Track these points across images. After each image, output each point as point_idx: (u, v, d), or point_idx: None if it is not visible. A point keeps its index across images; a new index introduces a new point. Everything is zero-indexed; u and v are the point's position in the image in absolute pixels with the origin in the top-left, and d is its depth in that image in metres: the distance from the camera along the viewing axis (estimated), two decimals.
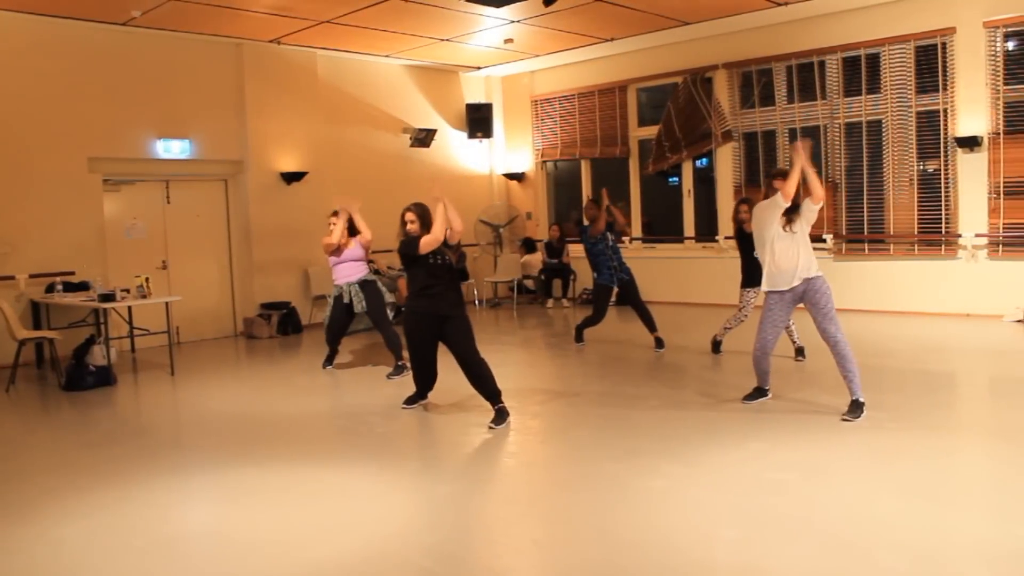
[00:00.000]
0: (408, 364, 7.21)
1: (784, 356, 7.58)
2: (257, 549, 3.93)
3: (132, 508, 4.55)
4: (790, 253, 5.73)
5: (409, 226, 6.10)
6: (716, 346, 8.28)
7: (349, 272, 8.01)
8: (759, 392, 6.28)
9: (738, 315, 7.91)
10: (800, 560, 3.56)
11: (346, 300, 8.02)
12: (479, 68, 13.41)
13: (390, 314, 8.40)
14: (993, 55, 9.42)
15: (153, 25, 9.76)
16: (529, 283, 13.39)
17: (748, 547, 3.71)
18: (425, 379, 6.41)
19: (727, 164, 11.73)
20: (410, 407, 6.51)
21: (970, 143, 9.53)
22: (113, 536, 4.16)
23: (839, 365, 5.71)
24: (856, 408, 5.64)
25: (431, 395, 6.54)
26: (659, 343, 8.67)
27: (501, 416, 5.93)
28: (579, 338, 9.18)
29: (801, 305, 5.89)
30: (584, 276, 12.99)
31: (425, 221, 6.08)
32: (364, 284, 8.01)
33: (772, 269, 5.82)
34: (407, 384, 6.72)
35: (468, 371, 6.01)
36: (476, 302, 13.45)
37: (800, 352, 7.68)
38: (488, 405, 6.02)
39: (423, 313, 6.04)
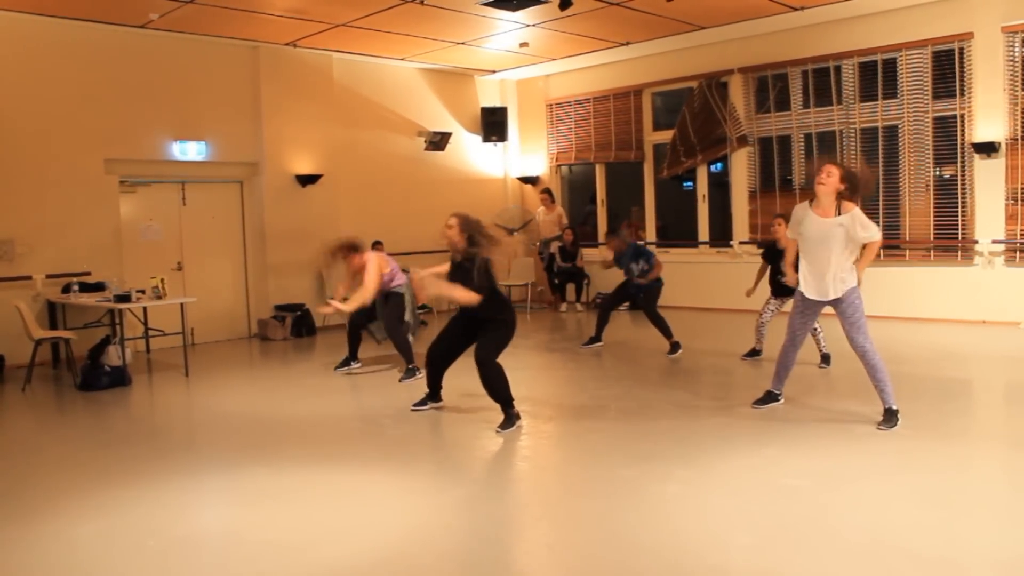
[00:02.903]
0: (419, 368, 7.45)
1: (809, 363, 7.54)
2: (270, 550, 3.94)
3: (146, 508, 4.57)
4: (820, 267, 5.63)
5: (448, 230, 5.95)
6: (753, 353, 8.19)
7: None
8: (770, 396, 6.23)
9: (760, 318, 7.94)
10: (814, 567, 3.54)
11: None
12: (494, 72, 13.43)
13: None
14: (1011, 60, 9.35)
15: (170, 28, 9.82)
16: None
17: (763, 553, 3.69)
18: (432, 372, 6.40)
19: (742, 169, 11.69)
20: (421, 409, 6.51)
21: (987, 149, 9.46)
22: (127, 536, 4.18)
23: (869, 375, 5.62)
24: (890, 417, 5.54)
25: (446, 398, 6.55)
26: (673, 348, 8.69)
27: (509, 421, 5.90)
28: (593, 338, 9.30)
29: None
30: (597, 280, 13.00)
31: (467, 227, 5.97)
32: (387, 296, 8.09)
33: (805, 275, 5.76)
34: (419, 387, 6.72)
35: (479, 372, 5.94)
36: None
37: (825, 359, 7.63)
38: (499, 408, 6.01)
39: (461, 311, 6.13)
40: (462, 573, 3.65)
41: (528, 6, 9.17)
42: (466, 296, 5.77)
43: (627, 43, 11.51)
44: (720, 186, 12.20)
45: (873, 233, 5.55)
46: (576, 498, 4.62)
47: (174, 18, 9.36)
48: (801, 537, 3.85)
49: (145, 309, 8.92)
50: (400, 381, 7.76)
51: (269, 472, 5.15)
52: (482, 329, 5.96)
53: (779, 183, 11.34)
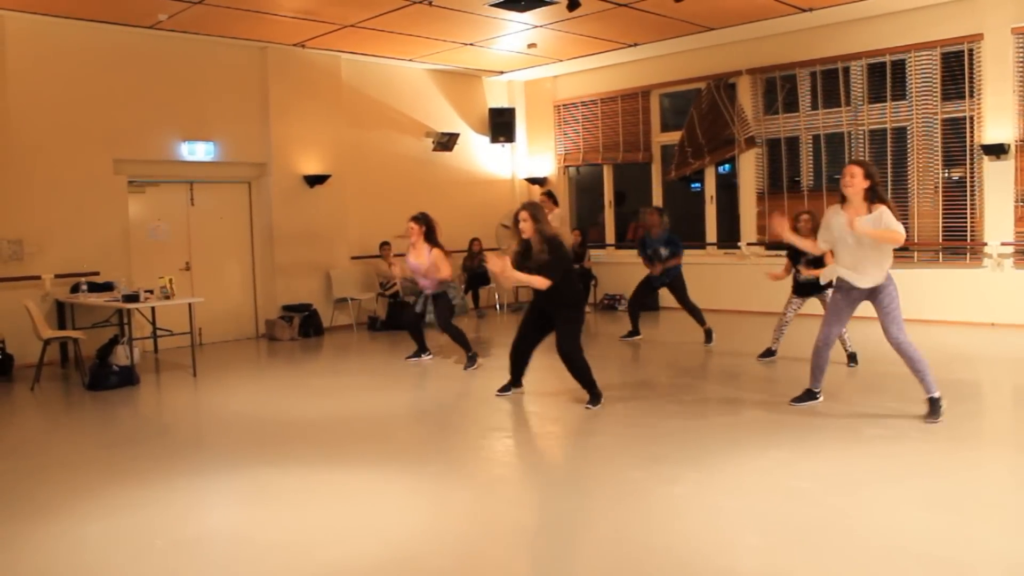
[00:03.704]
0: (478, 355, 8.16)
1: (837, 362, 7.48)
2: (276, 550, 3.94)
3: (153, 508, 4.58)
4: (855, 259, 5.69)
5: (522, 224, 6.29)
6: (768, 353, 8.13)
7: (424, 284, 8.53)
8: (809, 395, 6.20)
9: (783, 317, 7.91)
10: (823, 569, 3.53)
11: (418, 309, 8.57)
12: (502, 73, 13.43)
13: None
14: (1021, 62, 9.31)
15: (179, 28, 9.84)
16: None
17: (771, 555, 3.68)
18: (513, 362, 6.77)
19: (750, 170, 11.67)
20: (503, 395, 6.83)
21: (997, 151, 9.42)
22: (134, 535, 4.18)
23: (909, 367, 5.67)
24: (935, 407, 5.59)
25: (442, 399, 6.55)
26: (708, 336, 9.06)
27: (595, 400, 6.37)
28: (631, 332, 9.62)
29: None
30: (604, 282, 12.99)
31: (537, 218, 6.29)
32: (435, 297, 8.42)
33: (840, 271, 5.83)
34: (435, 386, 6.72)
35: (566, 365, 6.39)
36: (497, 306, 13.45)
37: (852, 358, 7.60)
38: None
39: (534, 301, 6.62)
40: (467, 574, 3.64)
41: (536, 7, 9.18)
42: (543, 283, 6.15)
43: (635, 44, 11.50)
44: (728, 187, 12.17)
45: (895, 226, 5.59)
46: (584, 499, 4.61)
47: (183, 19, 9.38)
48: (810, 539, 3.84)
49: (153, 309, 8.93)
50: (465, 369, 8.09)
51: (276, 472, 5.16)
52: (556, 318, 6.32)
53: (787, 184, 11.31)
